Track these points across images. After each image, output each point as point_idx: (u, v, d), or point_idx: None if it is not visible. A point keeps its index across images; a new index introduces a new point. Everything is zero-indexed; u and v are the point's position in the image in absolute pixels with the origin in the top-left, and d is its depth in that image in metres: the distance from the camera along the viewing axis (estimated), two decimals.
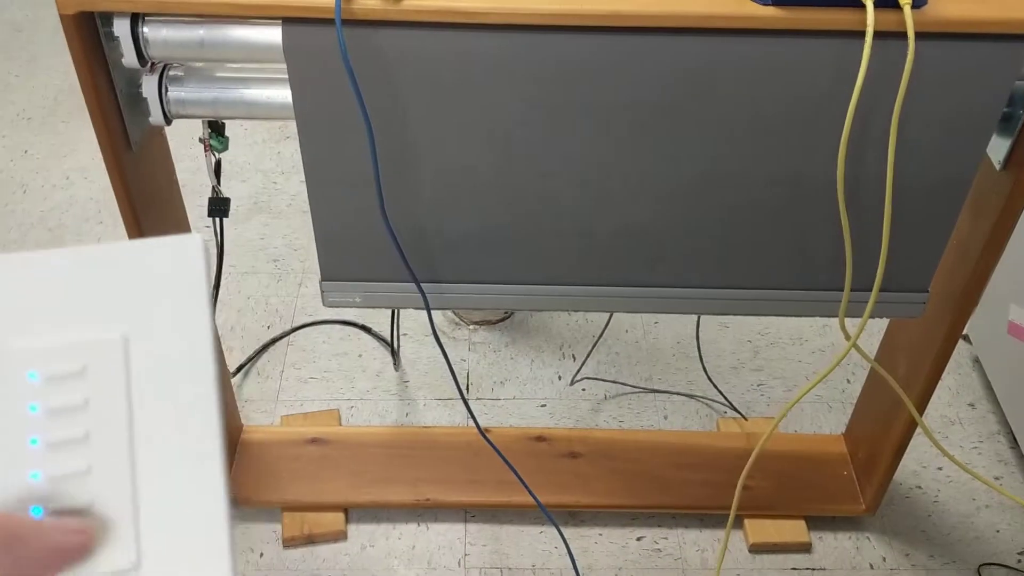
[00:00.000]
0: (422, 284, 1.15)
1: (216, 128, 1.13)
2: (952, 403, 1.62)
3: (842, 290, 1.05)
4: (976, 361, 1.66)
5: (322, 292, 1.19)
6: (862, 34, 0.89)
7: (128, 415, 0.47)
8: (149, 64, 0.99)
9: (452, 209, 1.07)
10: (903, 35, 0.88)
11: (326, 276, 1.17)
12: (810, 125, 0.97)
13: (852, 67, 0.91)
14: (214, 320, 0.49)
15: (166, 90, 1.01)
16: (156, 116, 1.02)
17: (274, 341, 1.69)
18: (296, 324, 1.72)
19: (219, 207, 1.20)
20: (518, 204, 1.06)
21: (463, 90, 0.95)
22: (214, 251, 1.29)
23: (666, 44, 0.91)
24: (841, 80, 0.93)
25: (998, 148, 1.03)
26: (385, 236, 1.09)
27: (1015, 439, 1.54)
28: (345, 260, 1.15)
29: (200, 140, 1.14)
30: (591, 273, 1.15)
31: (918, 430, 1.28)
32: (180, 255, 0.48)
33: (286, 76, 0.96)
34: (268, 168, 2.07)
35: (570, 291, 1.17)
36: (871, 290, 1.03)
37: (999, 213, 1.05)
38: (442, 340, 1.70)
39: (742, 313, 1.18)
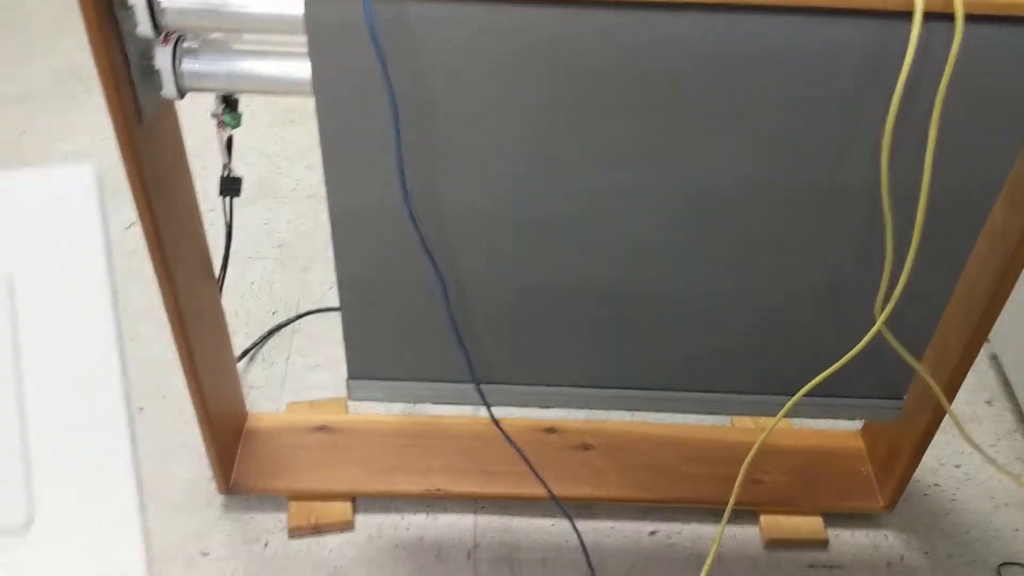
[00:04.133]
0: (443, 381, 1.22)
1: (230, 103, 1.10)
2: (969, 400, 1.59)
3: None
4: (994, 358, 1.64)
5: (348, 389, 1.23)
6: (905, 15, 0.86)
7: (14, 359, 0.42)
8: (163, 35, 0.95)
9: (487, 233, 1.06)
10: (947, 16, 0.86)
11: (354, 374, 1.20)
12: (848, 115, 0.94)
13: (892, 49, 0.88)
14: (111, 255, 0.44)
15: (180, 62, 0.98)
16: (169, 89, 0.98)
17: (279, 327, 1.66)
18: (301, 311, 1.69)
19: (231, 186, 1.16)
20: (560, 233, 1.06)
21: (499, 71, 0.91)
22: (222, 231, 1.25)
23: (700, 21, 0.88)
24: (880, 63, 0.90)
25: None
26: (421, 324, 1.14)
27: None
28: (372, 349, 1.19)
29: (213, 116, 1.10)
30: (630, 375, 1.22)
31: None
32: (72, 186, 0.44)
33: (305, 50, 0.93)
34: (272, 152, 2.03)
35: (612, 394, 1.24)
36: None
37: None
38: None
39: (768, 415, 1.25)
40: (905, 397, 1.23)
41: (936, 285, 1.08)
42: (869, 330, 1.07)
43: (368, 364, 1.21)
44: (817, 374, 1.15)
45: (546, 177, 1.00)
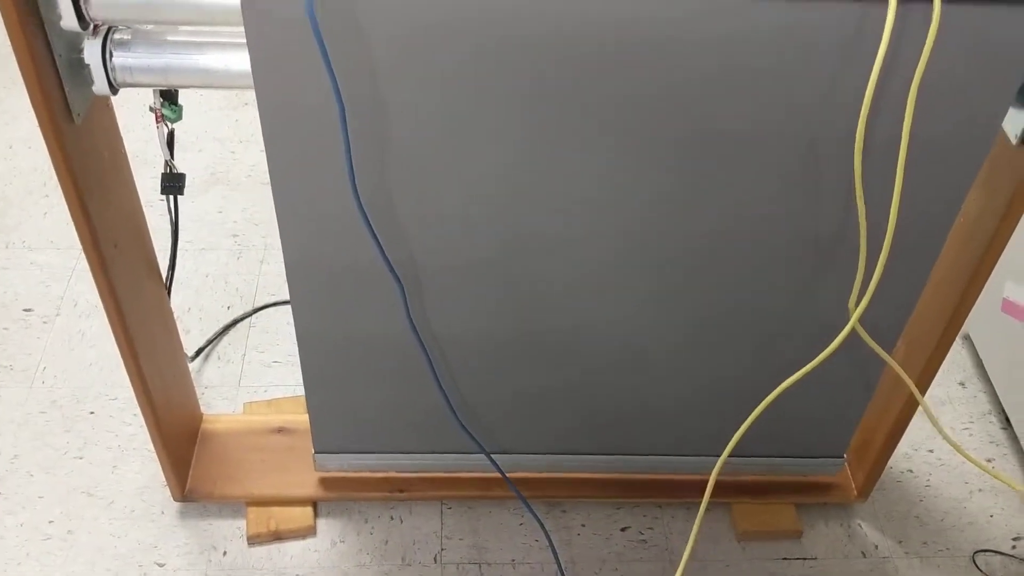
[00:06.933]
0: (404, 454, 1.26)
1: (169, 96, 1.03)
2: (942, 382, 1.57)
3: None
4: (966, 338, 1.62)
5: (315, 463, 1.23)
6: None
7: None
8: (92, 26, 0.89)
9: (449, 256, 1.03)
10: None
11: (321, 447, 1.21)
12: (822, 99, 0.89)
13: (866, 35, 0.84)
14: None
15: (111, 56, 0.91)
16: (100, 85, 0.92)
17: (235, 322, 1.60)
18: (258, 304, 1.63)
19: (173, 183, 1.10)
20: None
21: (453, 64, 0.86)
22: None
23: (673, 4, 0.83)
24: (853, 49, 0.86)
25: (1015, 121, 0.97)
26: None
27: (1007, 419, 1.50)
28: (339, 417, 1.18)
29: (151, 109, 1.04)
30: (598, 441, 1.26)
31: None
32: None
33: (244, 40, 0.87)
34: (225, 136, 1.96)
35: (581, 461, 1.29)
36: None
37: (1014, 190, 0.99)
38: None
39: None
40: (845, 456, 1.30)
41: (908, 277, 1.05)
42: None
43: (336, 435, 1.19)
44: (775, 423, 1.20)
45: (506, 186, 0.95)
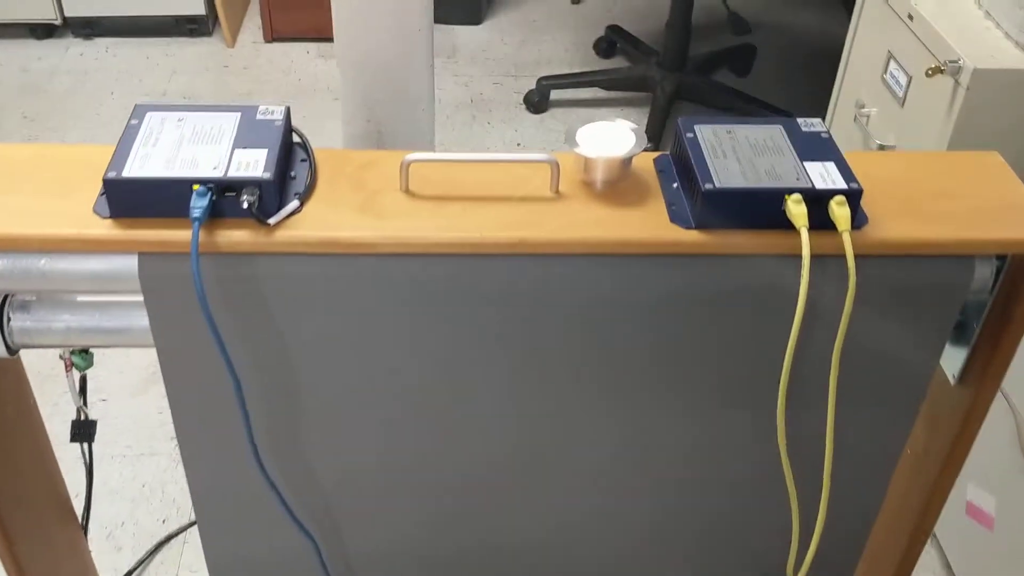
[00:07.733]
0: None
1: None
2: None
3: None
4: (934, 536, 1.56)
5: None
6: (796, 257, 0.79)
7: None
8: None
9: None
10: (841, 256, 0.79)
11: None
12: (737, 358, 0.86)
13: (783, 292, 0.81)
14: None
15: (8, 320, 0.88)
16: None
17: (169, 539, 1.52)
18: (194, 518, 1.56)
19: (84, 431, 1.05)
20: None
21: (352, 325, 0.83)
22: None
23: (582, 269, 0.81)
24: (770, 307, 0.83)
25: (953, 359, 0.94)
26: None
27: None
28: None
29: (61, 358, 1.00)
30: None
31: None
32: None
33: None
34: None
35: None
36: None
37: (958, 428, 0.95)
38: None
39: None
40: None
41: (853, 522, 1.00)
42: None
43: None
44: None
45: (413, 445, 0.92)
